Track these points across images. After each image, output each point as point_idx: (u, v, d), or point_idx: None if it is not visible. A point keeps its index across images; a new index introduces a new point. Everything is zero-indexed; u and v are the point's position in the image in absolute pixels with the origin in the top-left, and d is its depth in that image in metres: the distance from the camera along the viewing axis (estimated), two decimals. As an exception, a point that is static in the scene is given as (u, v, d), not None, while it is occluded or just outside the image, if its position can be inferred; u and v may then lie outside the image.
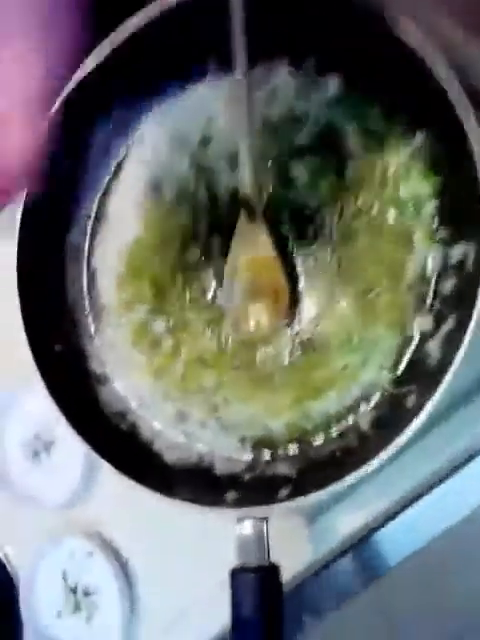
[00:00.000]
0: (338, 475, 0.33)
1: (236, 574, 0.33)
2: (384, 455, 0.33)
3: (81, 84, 0.37)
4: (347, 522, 0.40)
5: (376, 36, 0.32)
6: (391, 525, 0.44)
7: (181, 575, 0.44)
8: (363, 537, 0.45)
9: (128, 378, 0.42)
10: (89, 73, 0.37)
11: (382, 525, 0.44)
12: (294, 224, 0.37)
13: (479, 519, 0.44)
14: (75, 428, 0.38)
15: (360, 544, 0.45)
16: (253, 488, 0.37)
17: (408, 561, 0.46)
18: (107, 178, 0.42)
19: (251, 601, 0.32)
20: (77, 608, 0.46)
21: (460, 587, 0.77)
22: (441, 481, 0.43)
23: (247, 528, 0.34)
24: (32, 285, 0.40)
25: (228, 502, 0.36)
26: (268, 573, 0.33)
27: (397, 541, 0.45)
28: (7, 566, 0.48)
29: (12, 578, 0.48)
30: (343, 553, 0.46)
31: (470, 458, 0.43)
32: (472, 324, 0.31)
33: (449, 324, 0.34)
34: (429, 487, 0.42)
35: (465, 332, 0.31)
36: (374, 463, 0.33)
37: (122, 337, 0.42)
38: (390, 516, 0.44)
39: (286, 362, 0.38)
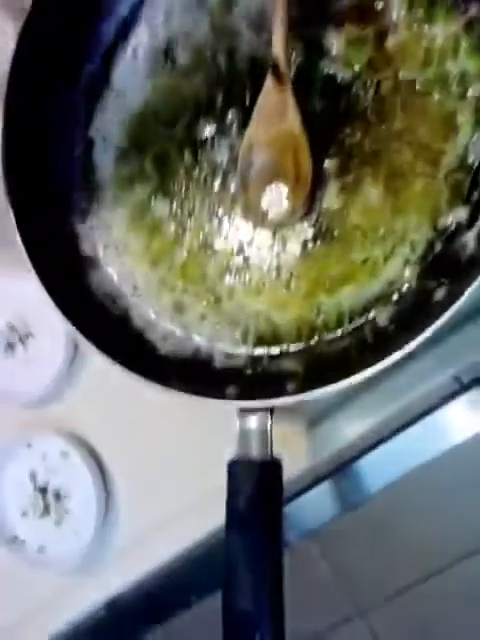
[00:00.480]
0: (350, 372, 0.31)
1: (235, 465, 0.30)
2: (401, 353, 0.30)
3: None
4: (349, 429, 0.38)
5: None
6: (375, 452, 0.43)
7: (161, 481, 0.42)
8: (346, 461, 0.43)
9: (122, 264, 0.38)
10: None
11: (372, 448, 0.43)
12: (324, 98, 0.34)
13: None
14: (60, 309, 0.35)
15: (343, 468, 0.44)
16: (255, 383, 0.34)
17: (389, 489, 0.44)
18: (114, 37, 0.38)
19: (251, 494, 0.30)
20: (46, 511, 0.43)
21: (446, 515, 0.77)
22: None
23: (251, 420, 0.31)
24: (18, 154, 0.36)
25: (229, 397, 0.33)
26: (270, 467, 0.31)
27: (379, 468, 0.43)
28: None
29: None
30: (325, 477, 0.44)
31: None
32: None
33: (488, 215, 0.31)
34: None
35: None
36: (391, 360, 0.30)
37: (119, 219, 0.38)
38: (381, 440, 0.42)
39: (300, 253, 0.35)
